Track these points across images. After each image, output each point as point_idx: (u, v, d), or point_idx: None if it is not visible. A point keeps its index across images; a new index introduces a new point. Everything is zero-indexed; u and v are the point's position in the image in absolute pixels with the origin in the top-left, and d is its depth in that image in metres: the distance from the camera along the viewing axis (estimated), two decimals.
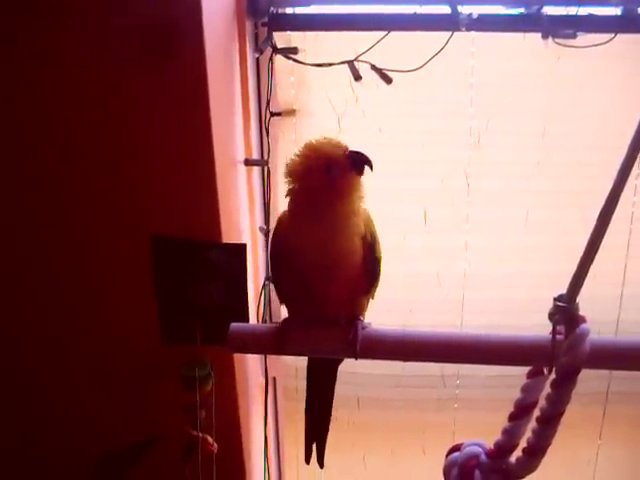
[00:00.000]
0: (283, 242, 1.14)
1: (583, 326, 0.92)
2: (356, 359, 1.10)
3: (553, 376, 0.94)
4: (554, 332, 0.94)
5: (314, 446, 1.32)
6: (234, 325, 1.12)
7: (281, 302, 1.24)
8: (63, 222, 1.29)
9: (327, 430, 1.30)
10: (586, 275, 0.90)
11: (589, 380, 1.61)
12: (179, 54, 1.13)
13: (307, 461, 1.32)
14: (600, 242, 0.86)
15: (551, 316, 0.94)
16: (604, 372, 1.64)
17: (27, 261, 1.32)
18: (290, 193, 1.13)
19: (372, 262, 1.12)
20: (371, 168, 1.10)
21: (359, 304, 1.16)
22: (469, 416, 1.70)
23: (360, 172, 1.10)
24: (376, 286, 1.18)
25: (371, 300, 1.20)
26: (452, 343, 1.03)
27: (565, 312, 0.92)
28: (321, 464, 1.32)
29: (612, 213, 0.84)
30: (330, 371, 1.26)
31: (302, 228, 1.09)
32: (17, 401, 1.46)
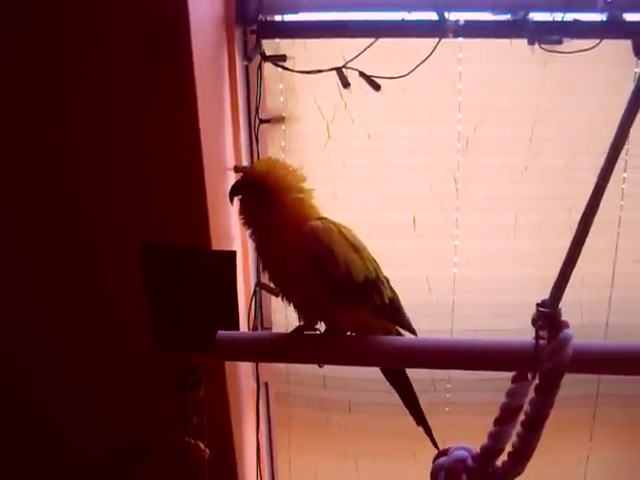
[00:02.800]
0: None
1: (566, 331, 0.93)
2: (320, 366, 1.14)
3: (537, 381, 0.95)
4: (537, 337, 0.95)
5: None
6: (221, 333, 1.13)
7: None
8: (53, 231, 1.29)
9: (423, 417, 1.27)
10: (568, 280, 0.91)
11: (579, 383, 1.61)
12: (167, 62, 1.14)
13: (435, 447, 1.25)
14: (581, 248, 0.87)
15: (534, 321, 0.95)
16: (593, 375, 1.65)
17: (19, 267, 1.33)
18: None
19: (328, 278, 1.09)
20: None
21: (337, 315, 1.13)
22: (460, 420, 1.70)
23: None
24: (355, 301, 1.13)
25: None
26: (428, 349, 1.04)
27: (548, 317, 0.93)
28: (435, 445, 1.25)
29: (592, 219, 0.85)
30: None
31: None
32: (10, 408, 1.47)
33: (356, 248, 1.14)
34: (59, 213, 1.28)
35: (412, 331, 1.22)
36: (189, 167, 1.22)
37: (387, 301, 1.17)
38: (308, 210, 1.13)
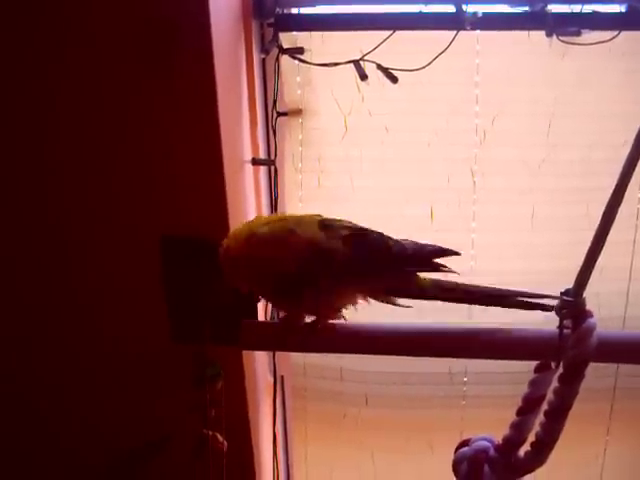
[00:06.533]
0: None
1: (590, 320, 0.93)
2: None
3: (561, 370, 0.95)
4: (561, 326, 0.95)
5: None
6: (246, 322, 1.13)
7: None
8: (71, 223, 1.29)
9: None
10: (593, 268, 0.91)
11: (596, 377, 1.61)
12: (187, 55, 1.14)
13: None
14: (607, 234, 0.87)
15: (558, 310, 0.95)
16: (611, 369, 1.65)
17: (36, 261, 1.33)
18: None
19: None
20: None
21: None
22: (477, 413, 1.70)
23: None
24: None
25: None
26: (455, 337, 1.04)
27: (572, 306, 0.93)
28: None
29: (619, 203, 0.85)
30: None
31: None
32: (27, 401, 1.47)
33: None
34: (76, 208, 1.28)
35: None
36: (209, 160, 1.22)
37: None
38: None
